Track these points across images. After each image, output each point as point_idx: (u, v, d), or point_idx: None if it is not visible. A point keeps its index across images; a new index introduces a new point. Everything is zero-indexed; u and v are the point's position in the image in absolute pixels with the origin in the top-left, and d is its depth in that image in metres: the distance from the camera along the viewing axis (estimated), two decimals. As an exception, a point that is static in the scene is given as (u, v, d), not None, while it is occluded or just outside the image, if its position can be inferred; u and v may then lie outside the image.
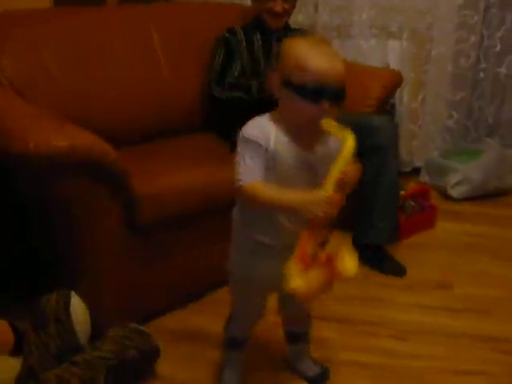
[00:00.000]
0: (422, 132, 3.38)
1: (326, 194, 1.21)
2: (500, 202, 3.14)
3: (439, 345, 1.97)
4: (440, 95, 3.29)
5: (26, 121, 1.70)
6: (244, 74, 2.53)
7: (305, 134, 1.33)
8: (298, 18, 3.17)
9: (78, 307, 1.71)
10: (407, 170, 3.39)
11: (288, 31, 2.69)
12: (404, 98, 3.29)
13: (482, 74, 3.32)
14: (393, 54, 3.23)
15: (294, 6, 2.62)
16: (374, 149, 2.35)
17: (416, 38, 3.22)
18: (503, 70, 3.25)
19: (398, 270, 2.42)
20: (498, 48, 3.23)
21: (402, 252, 2.54)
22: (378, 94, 2.63)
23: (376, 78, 2.68)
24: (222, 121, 2.55)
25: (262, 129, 1.31)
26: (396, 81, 2.70)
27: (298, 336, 1.76)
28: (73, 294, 1.72)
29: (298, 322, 1.74)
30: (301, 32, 2.76)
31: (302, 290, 1.22)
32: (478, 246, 2.67)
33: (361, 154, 2.33)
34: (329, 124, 1.28)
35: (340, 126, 1.27)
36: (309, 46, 1.28)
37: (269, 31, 2.58)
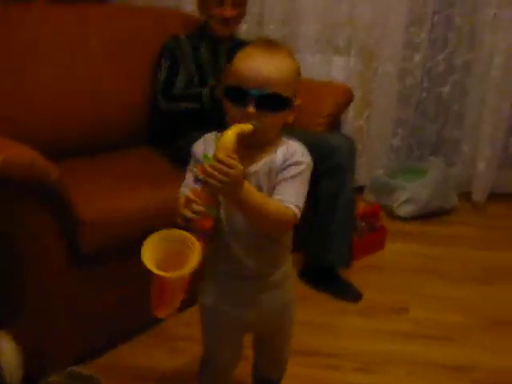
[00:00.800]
0: (368, 150, 3.33)
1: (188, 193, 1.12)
2: (443, 221, 3.12)
3: (408, 376, 1.88)
4: (386, 113, 3.25)
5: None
6: (190, 84, 2.38)
7: (244, 146, 1.17)
8: (242, 29, 3.05)
9: (6, 349, 1.48)
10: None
11: (236, 42, 2.57)
12: (349, 116, 3.23)
13: (424, 94, 3.31)
14: (338, 71, 3.17)
15: (243, 14, 2.52)
16: (333, 169, 2.26)
17: (363, 55, 3.17)
18: (446, 89, 3.24)
19: (354, 296, 2.32)
20: (442, 68, 3.22)
21: (355, 275, 2.45)
22: (330, 110, 2.54)
23: (328, 94, 2.60)
24: (164, 132, 2.40)
25: (202, 139, 1.27)
26: (348, 97, 2.63)
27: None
28: (1, 333, 1.50)
29: (274, 369, 1.55)
30: (245, 44, 2.63)
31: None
32: (429, 268, 2.62)
33: (319, 174, 2.28)
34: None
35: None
36: (249, 50, 1.20)
37: (216, 39, 2.46)
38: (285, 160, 1.20)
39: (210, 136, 1.26)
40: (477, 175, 3.25)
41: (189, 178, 1.24)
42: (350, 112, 3.23)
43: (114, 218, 1.70)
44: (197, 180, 1.09)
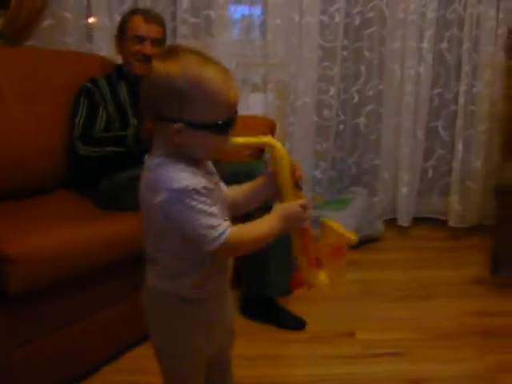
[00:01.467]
0: (290, 184, 3.32)
1: (299, 202, 1.17)
2: (373, 248, 3.15)
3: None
4: (305, 146, 3.28)
5: None
6: (110, 126, 2.30)
7: (206, 167, 1.17)
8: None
9: None
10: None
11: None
12: (270, 152, 3.23)
13: (341, 126, 3.38)
14: (256, 107, 3.19)
15: None
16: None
17: (279, 90, 3.22)
18: (362, 120, 3.34)
19: (298, 323, 2.26)
20: (356, 99, 3.32)
21: (294, 305, 2.39)
22: None
23: (252, 127, 2.58)
24: (84, 175, 2.29)
25: (186, 170, 1.07)
26: (271, 127, 2.63)
27: None
28: None
29: None
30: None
31: (328, 280, 1.26)
32: (367, 292, 2.62)
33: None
34: (240, 141, 1.16)
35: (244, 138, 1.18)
36: (217, 74, 1.06)
37: (135, 79, 2.38)
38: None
39: (182, 168, 1.07)
40: (399, 201, 3.32)
41: (218, 212, 1.08)
42: (271, 147, 3.23)
43: (42, 254, 1.55)
44: (300, 187, 1.20)
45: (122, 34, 2.43)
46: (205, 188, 1.06)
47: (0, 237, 1.44)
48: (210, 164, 1.19)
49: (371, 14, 3.19)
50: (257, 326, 2.25)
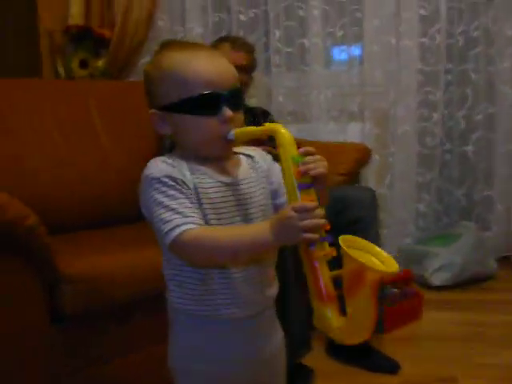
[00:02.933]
0: (392, 218, 3.11)
1: (298, 203, 0.91)
2: (483, 288, 2.84)
3: None
4: (408, 178, 3.07)
5: None
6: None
7: (218, 161, 1.05)
8: (251, 104, 2.98)
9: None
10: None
11: (245, 109, 2.47)
12: (370, 183, 3.05)
13: (447, 155, 3.13)
14: (354, 137, 3.03)
15: (250, 80, 2.46)
16: (353, 222, 2.06)
17: (378, 119, 3.05)
18: (470, 147, 3.07)
19: (390, 366, 2.03)
20: (463, 126, 3.06)
21: (389, 347, 2.16)
22: (349, 168, 2.41)
23: (344, 153, 2.48)
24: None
25: (171, 163, 1.01)
26: (366, 154, 2.49)
27: None
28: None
29: None
30: (260, 110, 2.56)
31: (348, 332, 0.94)
32: (474, 335, 2.31)
33: (337, 232, 2.08)
34: (242, 131, 1.01)
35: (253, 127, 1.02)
36: (189, 55, 1.03)
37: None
38: (263, 161, 1.11)
39: (169, 157, 1.03)
40: (515, 236, 2.99)
41: (183, 207, 0.96)
42: (370, 180, 3.06)
43: (100, 276, 1.50)
44: (302, 185, 0.92)
45: None
46: (169, 177, 0.97)
47: (60, 258, 1.39)
48: (239, 162, 1.09)
49: (476, 33, 2.95)
50: (342, 368, 2.05)
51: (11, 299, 1.33)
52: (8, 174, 1.93)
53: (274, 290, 1.10)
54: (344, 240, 0.90)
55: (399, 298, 2.42)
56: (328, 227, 0.91)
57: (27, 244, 1.29)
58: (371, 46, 2.96)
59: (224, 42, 2.43)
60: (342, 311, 0.94)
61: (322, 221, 0.90)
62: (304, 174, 0.92)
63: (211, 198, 1.00)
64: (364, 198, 2.10)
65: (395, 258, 2.51)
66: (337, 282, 0.94)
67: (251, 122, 2.48)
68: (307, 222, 0.88)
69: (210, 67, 1.00)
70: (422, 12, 2.95)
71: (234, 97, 1.02)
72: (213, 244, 0.94)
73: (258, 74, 3.00)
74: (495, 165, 3.05)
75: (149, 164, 1.02)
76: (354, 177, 2.44)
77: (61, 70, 2.89)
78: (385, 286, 2.39)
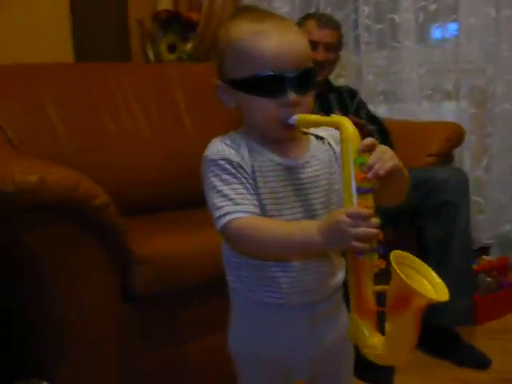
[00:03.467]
0: (490, 204, 2.91)
1: (353, 208, 0.84)
2: None
3: None
4: (507, 160, 2.85)
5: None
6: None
7: (282, 143, 1.00)
8: (339, 83, 2.89)
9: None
10: (473, 248, 2.88)
11: (330, 88, 2.40)
12: (465, 167, 2.87)
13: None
14: (449, 117, 2.85)
15: (336, 59, 2.39)
16: (441, 205, 1.96)
17: (475, 97, 2.85)
18: None
19: (481, 361, 1.91)
20: None
21: (481, 340, 2.04)
22: (439, 148, 2.30)
23: (435, 132, 2.38)
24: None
25: (230, 144, 0.97)
26: (459, 133, 2.36)
27: None
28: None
29: None
30: (346, 89, 2.47)
31: (383, 352, 0.87)
32: None
33: (424, 215, 1.97)
34: (306, 118, 0.95)
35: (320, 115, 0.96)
36: (254, 27, 0.96)
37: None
38: (336, 143, 1.01)
39: (230, 137, 1.00)
40: None
41: (236, 194, 0.93)
42: (466, 162, 2.88)
43: (171, 256, 1.50)
44: (361, 190, 0.86)
45: None
46: (225, 160, 0.93)
47: (133, 239, 1.40)
48: (308, 144, 1.03)
49: None
50: (431, 361, 1.97)
51: (84, 275, 1.35)
52: (89, 153, 1.97)
53: (338, 279, 1.04)
54: (396, 256, 0.83)
55: (493, 288, 2.27)
56: (381, 237, 0.84)
57: (98, 222, 1.30)
58: (467, 18, 2.75)
59: (309, 18, 2.37)
60: (380, 328, 0.88)
61: (376, 230, 0.83)
62: (365, 179, 0.86)
63: (269, 182, 0.96)
64: (453, 180, 1.98)
65: (492, 244, 2.40)
66: (380, 298, 0.87)
67: (337, 102, 2.40)
68: (360, 230, 0.82)
69: (278, 45, 0.94)
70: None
71: (303, 79, 0.95)
72: (257, 237, 0.91)
73: (346, 53, 2.92)
74: None
75: (209, 144, 0.99)
76: (445, 158, 2.31)
77: (150, 55, 2.94)
78: (477, 274, 2.25)
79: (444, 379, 1.85)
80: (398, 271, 0.79)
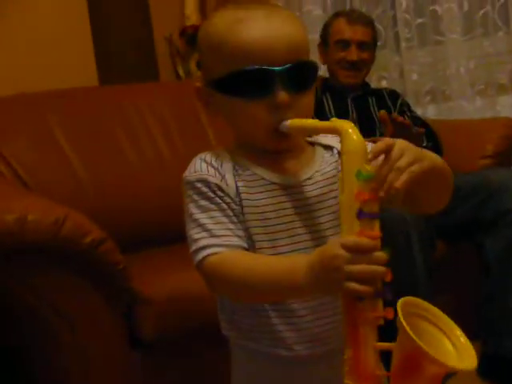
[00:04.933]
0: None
1: (351, 239, 0.65)
2: None
3: None
4: None
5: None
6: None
7: (278, 157, 0.81)
8: (382, 86, 2.68)
9: None
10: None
11: (368, 90, 2.20)
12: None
13: None
14: (506, 112, 2.60)
15: (372, 57, 2.22)
16: (502, 214, 1.71)
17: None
18: None
19: None
20: None
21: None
22: (495, 148, 2.08)
23: (490, 130, 2.15)
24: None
25: (210, 161, 0.81)
26: None
27: None
28: None
29: None
30: (387, 91, 2.27)
31: None
32: None
33: (482, 226, 1.73)
34: (299, 123, 0.77)
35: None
36: (239, 15, 0.79)
37: (342, 89, 2.14)
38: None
39: (214, 153, 0.83)
40: None
41: (215, 221, 0.77)
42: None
43: (179, 297, 1.34)
44: (365, 214, 0.66)
45: (325, 40, 2.21)
46: (202, 182, 0.76)
47: (136, 277, 1.24)
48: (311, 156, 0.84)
49: None
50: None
51: (84, 322, 1.21)
52: (111, 188, 1.83)
53: None
54: (405, 303, 0.63)
55: None
56: (389, 278, 0.64)
57: (90, 262, 1.14)
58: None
59: (339, 16, 2.23)
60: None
61: (381, 268, 0.64)
62: (371, 200, 0.66)
63: (259, 206, 0.78)
64: (513, 184, 1.72)
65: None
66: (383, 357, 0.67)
67: (377, 106, 2.20)
68: (359, 268, 0.63)
69: (260, 33, 0.77)
70: None
71: (296, 74, 0.77)
72: (235, 278, 0.73)
73: (387, 53, 2.72)
74: None
75: (190, 162, 0.82)
76: (502, 159, 2.06)
77: (181, 73, 2.85)
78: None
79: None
80: (406, 326, 0.60)
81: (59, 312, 1.17)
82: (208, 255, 0.74)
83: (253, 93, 0.77)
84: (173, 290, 1.33)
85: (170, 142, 2.05)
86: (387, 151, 0.67)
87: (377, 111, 2.14)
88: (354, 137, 0.69)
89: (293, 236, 0.78)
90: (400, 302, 0.62)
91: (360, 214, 0.66)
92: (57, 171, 1.77)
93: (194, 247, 0.77)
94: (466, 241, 1.82)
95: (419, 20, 2.68)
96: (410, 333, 0.59)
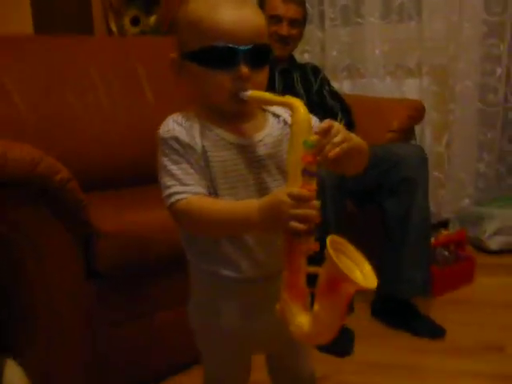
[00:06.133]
0: (450, 179, 2.99)
1: (295, 190, 0.85)
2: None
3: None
4: (468, 136, 2.92)
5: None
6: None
7: (236, 120, 1.00)
8: (304, 59, 2.90)
9: (13, 378, 1.28)
10: (433, 222, 2.96)
11: (294, 64, 2.40)
12: (426, 142, 2.93)
13: (511, 113, 2.95)
14: (411, 93, 2.90)
15: (300, 34, 2.37)
16: (401, 182, 1.99)
17: (437, 74, 2.91)
18: (536, 105, 2.89)
19: (435, 331, 1.97)
20: (529, 82, 2.88)
21: (437, 310, 2.11)
22: (400, 125, 2.33)
23: (396, 109, 2.41)
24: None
25: (181, 122, 0.98)
26: (419, 110, 2.40)
27: None
28: (9, 362, 1.31)
29: None
30: (310, 66, 2.47)
31: (309, 331, 0.86)
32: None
33: (384, 191, 2.01)
34: (258, 95, 0.95)
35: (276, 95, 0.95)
36: (210, 1, 0.97)
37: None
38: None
39: (183, 115, 1.00)
40: None
41: (184, 174, 0.95)
42: (427, 138, 2.94)
43: (133, 231, 1.50)
44: (306, 172, 0.86)
45: None
46: (175, 140, 0.94)
47: (94, 214, 1.41)
48: (263, 121, 1.04)
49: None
50: (388, 331, 2.02)
51: (50, 253, 1.35)
52: (51, 128, 1.94)
53: None
54: (332, 241, 0.83)
55: (450, 261, 2.34)
56: (318, 221, 0.86)
57: (59, 198, 1.30)
58: (431, -4, 2.80)
59: None
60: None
61: (315, 213, 0.85)
62: (313, 162, 0.86)
63: (221, 162, 0.97)
64: (413, 157, 2.01)
65: (451, 218, 2.47)
66: (310, 278, 0.89)
67: (301, 78, 2.40)
68: (299, 211, 0.84)
69: (233, 18, 0.95)
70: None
71: (257, 54, 0.96)
72: (201, 217, 0.93)
73: (311, 28, 2.92)
74: None
75: (164, 122, 1.00)
76: (406, 134, 2.35)
77: (113, 28, 2.89)
78: (436, 248, 2.31)
79: (401, 348, 1.90)
80: (333, 255, 0.80)
81: (31, 241, 1.32)
82: (178, 200, 0.93)
83: (221, 65, 0.95)
84: (125, 225, 1.49)
85: (110, 91, 2.17)
86: (328, 129, 0.90)
87: (301, 86, 2.36)
88: (303, 112, 0.88)
89: (247, 186, 0.98)
90: (329, 238, 0.83)
91: (304, 172, 0.86)
92: (3, 114, 1.86)
93: (166, 192, 0.94)
94: (371, 203, 2.10)
95: (343, 2, 2.91)
96: (335, 259, 0.80)
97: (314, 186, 0.86)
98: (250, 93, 0.95)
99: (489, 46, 2.83)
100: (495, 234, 2.71)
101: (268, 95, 0.96)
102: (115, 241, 1.44)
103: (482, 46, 2.83)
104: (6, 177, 1.21)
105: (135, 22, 2.88)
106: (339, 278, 0.80)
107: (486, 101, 2.90)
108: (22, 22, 2.44)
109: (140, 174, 2.07)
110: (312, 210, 0.85)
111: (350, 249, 0.86)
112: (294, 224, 0.84)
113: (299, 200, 0.84)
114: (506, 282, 2.40)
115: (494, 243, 2.71)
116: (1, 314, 1.52)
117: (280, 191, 0.87)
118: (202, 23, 0.95)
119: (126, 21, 2.87)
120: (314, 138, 0.87)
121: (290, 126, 0.90)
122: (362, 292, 0.84)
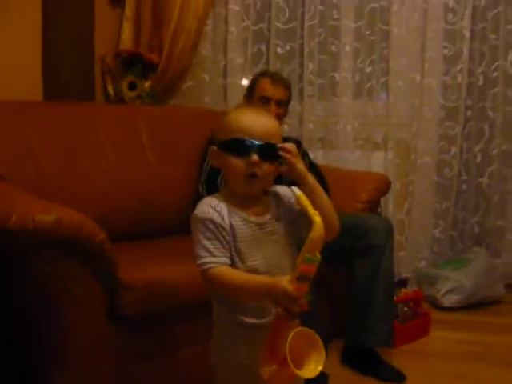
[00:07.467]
0: (409, 243, 3.34)
1: (294, 293, 1.14)
2: (491, 311, 3.05)
3: None
4: (426, 205, 3.30)
5: (9, 197, 1.64)
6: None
7: (251, 203, 1.34)
8: (283, 130, 3.22)
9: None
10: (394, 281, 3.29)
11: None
12: (390, 209, 3.29)
13: (464, 186, 3.35)
14: (377, 165, 3.27)
15: (285, 112, 2.64)
16: (369, 248, 2.31)
17: (400, 149, 3.29)
18: (485, 180, 3.30)
19: (397, 377, 2.25)
20: (479, 159, 3.29)
21: (398, 360, 2.39)
22: (368, 196, 2.64)
23: (366, 182, 2.71)
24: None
25: (214, 207, 1.30)
26: (386, 184, 2.72)
27: None
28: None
29: None
30: (293, 141, 2.78)
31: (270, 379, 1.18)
32: (478, 355, 2.52)
33: (355, 254, 2.32)
34: (303, 198, 1.22)
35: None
36: (240, 110, 1.36)
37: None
38: (284, 196, 1.38)
39: (214, 199, 1.32)
40: (523, 264, 3.19)
41: (214, 248, 1.27)
42: (390, 206, 3.29)
43: (156, 286, 1.76)
44: (301, 278, 1.14)
45: (251, 93, 2.59)
46: (210, 221, 1.27)
47: (120, 267, 1.67)
48: (269, 203, 1.37)
49: (495, 74, 3.19)
50: (355, 376, 2.28)
51: (78, 299, 1.59)
52: (66, 192, 2.18)
53: None
54: (299, 330, 1.15)
55: (410, 317, 2.65)
56: (304, 310, 1.17)
57: (96, 255, 1.57)
58: (397, 81, 3.20)
59: (264, 77, 2.59)
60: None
61: (299, 309, 1.16)
62: (309, 273, 1.14)
63: (244, 236, 1.30)
64: (381, 227, 2.33)
65: (410, 278, 2.77)
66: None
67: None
68: (288, 305, 1.16)
69: (250, 121, 1.31)
70: (446, 52, 3.20)
71: (265, 149, 1.29)
72: (225, 284, 1.25)
73: (291, 102, 3.24)
74: (508, 197, 3.27)
75: (199, 204, 1.33)
76: (373, 204, 2.65)
77: (111, 91, 3.15)
78: (397, 305, 2.62)
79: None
80: (287, 353, 1.10)
81: (67, 289, 1.54)
82: (210, 267, 1.25)
83: (239, 152, 1.28)
84: (148, 278, 1.75)
85: (119, 154, 2.45)
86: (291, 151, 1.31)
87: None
88: (319, 232, 1.14)
89: (261, 248, 1.31)
90: (296, 330, 1.13)
91: (299, 278, 1.14)
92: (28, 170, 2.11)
93: (200, 261, 1.27)
94: (342, 263, 2.38)
95: (320, 81, 3.26)
96: (289, 359, 1.09)
97: (306, 287, 1.15)
98: (299, 193, 1.23)
99: (445, 127, 3.26)
100: (448, 292, 3.05)
101: (307, 202, 1.20)
102: (136, 292, 1.70)
103: (440, 128, 3.24)
104: (58, 238, 1.47)
105: (132, 86, 3.16)
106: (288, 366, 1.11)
107: (443, 175, 3.31)
108: (33, 88, 2.65)
109: (143, 228, 2.35)
110: (297, 307, 1.16)
111: (315, 338, 1.17)
112: (282, 310, 1.18)
113: (289, 299, 1.15)
114: (458, 336, 2.71)
115: (447, 301, 3.04)
116: (32, 353, 1.75)
117: (283, 280, 1.16)
118: (231, 123, 1.32)
119: (124, 86, 3.15)
120: (318, 257, 1.16)
121: (308, 236, 1.15)
122: (334, 341, 1.16)
